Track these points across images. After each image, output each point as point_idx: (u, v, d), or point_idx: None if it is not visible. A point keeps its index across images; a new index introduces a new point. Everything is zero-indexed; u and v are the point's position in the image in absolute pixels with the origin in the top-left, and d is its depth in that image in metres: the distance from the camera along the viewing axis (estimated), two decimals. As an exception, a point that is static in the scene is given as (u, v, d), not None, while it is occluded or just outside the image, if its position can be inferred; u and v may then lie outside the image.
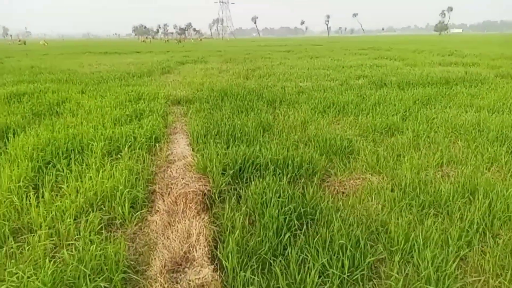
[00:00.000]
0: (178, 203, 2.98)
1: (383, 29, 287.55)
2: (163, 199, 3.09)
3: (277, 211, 2.70)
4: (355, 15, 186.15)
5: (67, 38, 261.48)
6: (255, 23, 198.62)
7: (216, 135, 4.72)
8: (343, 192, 3.51)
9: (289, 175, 3.53)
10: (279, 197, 2.94)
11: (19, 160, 3.69)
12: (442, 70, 12.80)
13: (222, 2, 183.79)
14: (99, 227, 2.65)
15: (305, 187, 3.34)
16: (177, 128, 5.64)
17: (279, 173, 3.55)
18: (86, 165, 3.71)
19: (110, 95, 7.73)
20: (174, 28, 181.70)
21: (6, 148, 4.24)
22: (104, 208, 2.94)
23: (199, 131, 4.81)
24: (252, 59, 19.74)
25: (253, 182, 3.27)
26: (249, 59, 19.76)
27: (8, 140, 4.57)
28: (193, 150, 4.48)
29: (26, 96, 7.34)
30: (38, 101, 7.01)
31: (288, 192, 3.06)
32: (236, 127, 5.02)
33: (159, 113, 5.99)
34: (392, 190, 3.34)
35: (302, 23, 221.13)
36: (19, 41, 71.24)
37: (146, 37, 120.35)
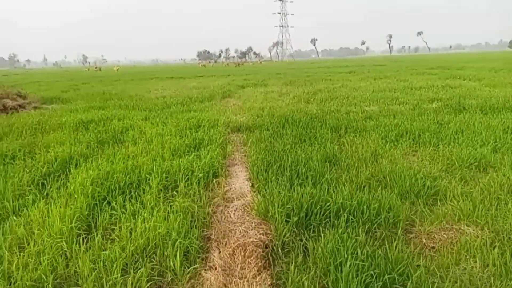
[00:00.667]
0: (235, 257, 2.59)
1: (450, 47, 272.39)
2: (219, 249, 2.72)
3: (355, 279, 2.19)
4: (419, 33, 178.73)
5: (138, 64, 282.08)
6: (314, 45, 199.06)
7: (278, 170, 4.31)
8: (433, 247, 2.88)
9: (365, 225, 3.00)
10: (356, 257, 2.42)
11: (76, 196, 3.57)
12: (529, 91, 11.37)
13: (282, 26, 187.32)
14: (148, 285, 2.33)
15: (385, 241, 2.79)
16: (236, 159, 5.33)
17: (353, 222, 3.03)
18: (141, 203, 3.48)
19: (172, 121, 7.74)
20: (235, 52, 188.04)
21: (67, 181, 4.19)
22: (155, 258, 2.63)
23: (259, 165, 4.44)
24: (313, 82, 19.31)
25: (322, 235, 2.78)
26: (310, 82, 19.35)
27: (69, 172, 4.55)
28: (252, 186, 4.11)
29: (93, 124, 7.56)
30: (104, 128, 7.18)
31: (366, 249, 2.53)
32: (299, 160, 4.57)
33: (218, 142, 5.74)
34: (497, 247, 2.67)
35: (363, 43, 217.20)
36: (95, 68, 77.99)
37: (208, 62, 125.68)
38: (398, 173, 4.08)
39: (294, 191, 3.56)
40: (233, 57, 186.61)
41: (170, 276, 2.50)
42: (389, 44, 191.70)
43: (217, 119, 7.92)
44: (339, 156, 5.01)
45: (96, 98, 13.75)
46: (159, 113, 9.43)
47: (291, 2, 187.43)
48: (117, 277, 2.36)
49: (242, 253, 2.62)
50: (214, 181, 4.22)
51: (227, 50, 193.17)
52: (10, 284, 2.39)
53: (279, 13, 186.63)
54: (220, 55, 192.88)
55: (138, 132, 6.79)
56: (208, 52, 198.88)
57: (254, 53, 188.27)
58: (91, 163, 4.69)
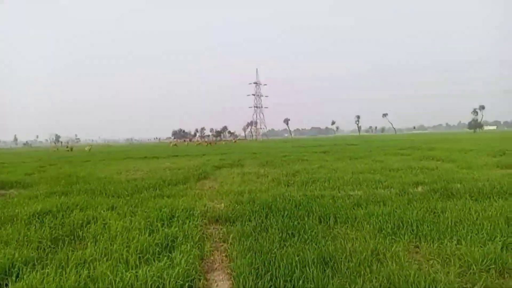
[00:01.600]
0: None
1: (414, 128, 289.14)
2: None
3: None
4: (385, 115, 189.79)
5: (113, 143, 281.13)
6: (287, 124, 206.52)
7: (269, 282, 3.55)
8: None
9: None
10: None
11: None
12: (505, 173, 11.41)
13: (256, 107, 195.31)
14: None
15: None
16: (216, 262, 4.53)
17: None
18: None
19: (141, 211, 6.92)
20: (210, 131, 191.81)
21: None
22: None
23: (246, 275, 3.68)
24: (289, 162, 19.09)
25: None
26: (286, 162, 19.12)
27: (6, 286, 3.62)
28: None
29: (49, 216, 6.62)
30: (61, 221, 6.26)
31: None
32: (293, 264, 3.85)
33: (194, 239, 4.96)
34: None
35: (333, 123, 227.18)
36: (66, 147, 76.43)
37: (183, 140, 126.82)
38: (411, 280, 3.42)
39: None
40: (208, 136, 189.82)
41: None
42: (357, 124, 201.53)
43: (193, 207, 7.18)
44: (336, 256, 4.32)
45: (60, 182, 12.74)
46: (128, 199, 8.59)
47: (264, 85, 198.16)
48: None
49: None
50: (189, 297, 3.40)
51: (202, 129, 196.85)
52: None
53: (254, 94, 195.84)
54: (195, 134, 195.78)
55: (101, 227, 5.90)
56: (183, 131, 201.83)
57: (229, 132, 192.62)
58: (36, 273, 3.78)
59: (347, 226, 5.78)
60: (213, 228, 6.07)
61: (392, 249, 4.57)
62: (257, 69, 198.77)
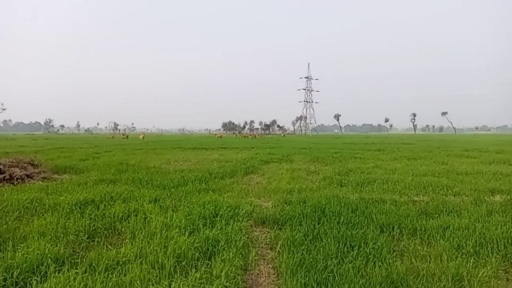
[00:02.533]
0: None
1: (476, 128, 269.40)
2: None
3: None
4: (444, 113, 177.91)
5: (165, 132, 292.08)
6: (337, 120, 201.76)
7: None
8: None
9: None
10: None
11: None
12: None
13: (307, 101, 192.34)
14: None
15: None
16: (261, 276, 3.91)
17: None
18: None
19: (184, 206, 6.52)
20: (259, 124, 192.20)
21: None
22: None
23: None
24: (341, 159, 18.05)
25: None
26: (338, 159, 18.10)
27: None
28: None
29: (91, 206, 6.41)
30: (102, 212, 6.00)
31: None
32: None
33: (237, 246, 4.39)
34: None
35: (387, 120, 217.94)
36: (123, 135, 79.98)
37: (232, 133, 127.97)
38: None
39: None
40: (257, 129, 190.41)
41: None
42: (413, 122, 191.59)
43: (238, 205, 6.64)
44: (409, 280, 3.54)
45: (111, 169, 12.87)
46: (173, 191, 8.29)
47: (316, 79, 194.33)
48: None
49: None
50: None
51: (251, 122, 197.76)
52: None
53: (304, 89, 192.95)
54: (244, 127, 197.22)
55: (141, 221, 5.55)
56: (233, 123, 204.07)
57: (278, 126, 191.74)
58: (62, 275, 3.42)
59: (416, 240, 4.92)
60: (259, 231, 5.48)
61: (479, 275, 3.69)
62: (308, 63, 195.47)
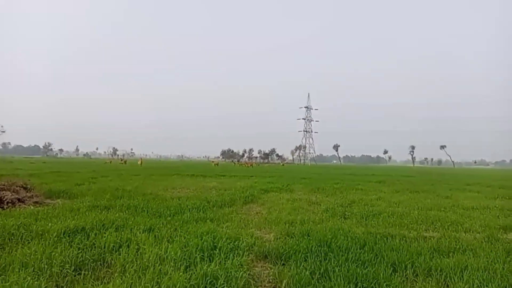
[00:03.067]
0: None
1: (475, 162, 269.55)
2: None
3: None
4: (442, 147, 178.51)
5: (164, 158, 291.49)
6: (336, 150, 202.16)
7: None
8: None
9: None
10: None
11: None
12: None
13: (306, 131, 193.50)
14: None
15: None
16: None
17: None
18: None
19: (180, 237, 6.10)
20: (258, 153, 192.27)
21: None
22: None
23: None
24: (343, 190, 17.65)
25: None
26: (339, 190, 17.69)
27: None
28: None
29: (81, 234, 5.99)
30: (92, 242, 5.59)
31: None
32: None
33: (238, 285, 3.98)
34: None
35: (385, 152, 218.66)
36: (120, 160, 79.60)
37: (231, 160, 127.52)
38: None
39: None
40: (256, 157, 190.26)
41: None
42: (412, 155, 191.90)
43: (238, 236, 6.23)
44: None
45: (106, 195, 12.43)
46: (169, 220, 7.88)
47: (315, 109, 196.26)
48: None
49: None
50: None
51: (250, 150, 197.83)
52: None
53: (304, 119, 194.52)
54: (243, 155, 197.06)
55: (134, 252, 5.12)
56: (232, 151, 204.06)
57: (277, 155, 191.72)
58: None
59: (432, 281, 4.51)
60: (261, 267, 5.05)
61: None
62: (308, 94, 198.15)
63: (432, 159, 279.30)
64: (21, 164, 43.70)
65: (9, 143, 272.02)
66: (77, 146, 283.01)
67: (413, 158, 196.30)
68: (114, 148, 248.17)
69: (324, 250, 5.51)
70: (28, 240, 5.70)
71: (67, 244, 5.45)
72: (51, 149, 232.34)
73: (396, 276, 4.60)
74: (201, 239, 5.75)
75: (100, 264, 4.78)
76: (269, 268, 4.98)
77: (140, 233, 6.23)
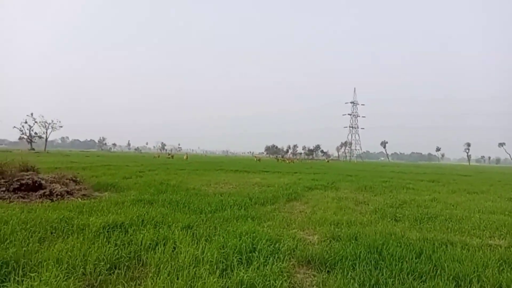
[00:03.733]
0: None
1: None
2: None
3: None
4: (501, 144, 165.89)
5: (210, 154, 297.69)
6: (384, 147, 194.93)
7: None
8: None
9: None
10: None
11: None
12: None
13: (352, 127, 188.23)
14: None
15: None
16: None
17: None
18: None
19: (218, 236, 5.81)
20: (302, 149, 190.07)
21: None
22: None
23: None
24: (392, 189, 16.64)
25: None
26: (388, 189, 16.70)
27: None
28: None
29: (119, 230, 5.89)
30: (129, 239, 5.46)
31: None
32: None
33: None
34: None
35: (438, 149, 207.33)
36: (168, 154, 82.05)
37: (275, 157, 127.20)
38: None
39: None
40: (300, 153, 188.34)
41: None
42: (467, 152, 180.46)
43: (279, 238, 5.84)
44: None
45: (150, 189, 12.56)
46: (209, 217, 7.65)
47: (362, 105, 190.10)
48: None
49: None
50: None
51: (295, 146, 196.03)
52: None
53: (350, 114, 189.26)
54: (287, 151, 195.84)
55: (170, 251, 4.90)
56: (276, 147, 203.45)
57: (322, 151, 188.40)
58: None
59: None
60: (304, 274, 4.61)
61: None
62: (354, 88, 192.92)
63: (489, 158, 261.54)
64: (77, 158, 46.21)
65: (67, 138, 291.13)
66: (129, 140, 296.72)
67: (469, 156, 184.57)
68: (162, 143, 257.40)
69: (375, 257, 4.97)
70: (68, 234, 5.68)
71: (105, 240, 5.35)
72: (105, 144, 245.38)
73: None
74: (240, 240, 5.42)
75: (135, 263, 4.60)
76: (312, 276, 4.52)
77: (178, 230, 6.03)
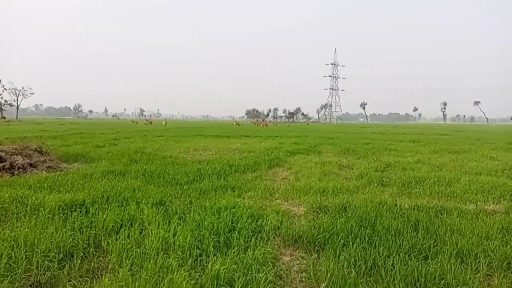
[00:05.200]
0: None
1: (511, 119, 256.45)
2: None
3: None
4: (476, 103, 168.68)
5: (190, 119, 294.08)
6: (363, 108, 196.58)
7: None
8: None
9: None
10: None
11: None
12: None
13: (332, 89, 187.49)
14: None
15: None
16: None
17: None
18: None
19: (194, 212, 5.16)
20: (283, 112, 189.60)
21: None
22: None
23: None
24: (375, 151, 16.26)
25: None
26: (371, 151, 16.31)
27: None
28: None
29: (79, 211, 5.14)
30: (90, 220, 4.74)
31: None
32: None
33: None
34: None
35: (415, 109, 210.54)
36: (146, 121, 79.86)
37: (256, 120, 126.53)
38: None
39: None
40: (281, 116, 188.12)
41: None
42: (443, 112, 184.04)
43: (262, 214, 5.24)
44: None
45: (123, 159, 11.72)
46: (185, 190, 6.99)
47: (342, 66, 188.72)
48: None
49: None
50: None
51: (275, 110, 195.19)
52: None
53: (330, 76, 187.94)
54: (268, 114, 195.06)
55: (136, 235, 4.23)
56: (257, 111, 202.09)
57: (302, 114, 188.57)
58: None
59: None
60: (291, 256, 4.03)
61: None
62: (335, 49, 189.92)
63: (464, 116, 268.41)
64: (50, 126, 44.26)
65: (41, 105, 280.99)
66: (106, 107, 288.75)
67: (444, 115, 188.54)
68: (141, 109, 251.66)
69: (368, 233, 4.43)
70: (19, 217, 4.91)
71: (61, 223, 4.61)
72: (81, 111, 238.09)
73: (467, 271, 3.50)
74: (218, 218, 4.79)
75: (94, 252, 3.92)
76: (300, 258, 3.94)
77: (148, 208, 5.33)
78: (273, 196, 6.85)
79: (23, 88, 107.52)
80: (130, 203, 5.57)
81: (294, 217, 5.47)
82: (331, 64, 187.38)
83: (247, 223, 4.59)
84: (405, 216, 5.18)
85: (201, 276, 3.20)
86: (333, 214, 5.37)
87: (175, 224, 4.57)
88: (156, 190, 6.68)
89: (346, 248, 4.02)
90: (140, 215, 4.94)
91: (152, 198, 5.89)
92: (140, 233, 4.35)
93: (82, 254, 3.82)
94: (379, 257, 3.72)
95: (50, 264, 3.50)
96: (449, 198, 6.78)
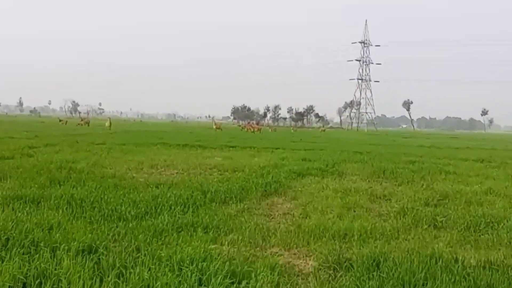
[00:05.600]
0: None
1: None
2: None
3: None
4: None
5: (149, 119, 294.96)
6: (407, 109, 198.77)
7: None
8: None
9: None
10: None
11: None
12: None
13: (361, 79, 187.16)
14: None
15: None
16: None
17: None
18: None
19: (142, 266, 4.98)
20: (288, 111, 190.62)
21: None
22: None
23: None
24: (424, 174, 16.37)
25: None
26: (418, 173, 16.40)
27: None
28: None
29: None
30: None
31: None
32: None
33: None
34: None
35: (485, 113, 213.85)
36: (81, 120, 79.53)
37: (247, 122, 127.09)
38: None
39: None
40: (285, 118, 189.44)
41: None
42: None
43: (249, 270, 5.08)
44: None
45: (41, 177, 11.58)
46: (132, 228, 6.87)
47: (377, 46, 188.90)
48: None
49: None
50: None
51: (276, 107, 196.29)
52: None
53: (358, 60, 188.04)
54: (265, 115, 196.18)
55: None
56: (248, 109, 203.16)
57: (317, 115, 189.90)
58: None
59: None
60: None
61: None
62: (366, 20, 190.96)
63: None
64: None
65: None
66: (20, 98, 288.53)
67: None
68: (74, 102, 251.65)
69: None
70: None
71: None
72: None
73: None
74: (179, 275, 4.60)
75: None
76: None
77: (70, 258, 5.13)
78: (267, 242, 6.76)
79: None
80: (42, 250, 5.39)
81: (298, 276, 5.36)
82: (360, 42, 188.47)
83: (223, 286, 4.42)
84: (471, 279, 5.05)
85: None
86: (359, 273, 5.25)
87: (110, 285, 4.39)
88: (85, 229, 6.55)
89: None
90: (55, 270, 4.75)
91: (77, 242, 5.71)
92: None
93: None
94: None
95: None
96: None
